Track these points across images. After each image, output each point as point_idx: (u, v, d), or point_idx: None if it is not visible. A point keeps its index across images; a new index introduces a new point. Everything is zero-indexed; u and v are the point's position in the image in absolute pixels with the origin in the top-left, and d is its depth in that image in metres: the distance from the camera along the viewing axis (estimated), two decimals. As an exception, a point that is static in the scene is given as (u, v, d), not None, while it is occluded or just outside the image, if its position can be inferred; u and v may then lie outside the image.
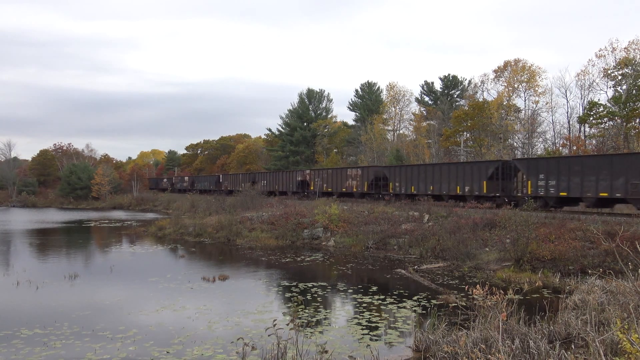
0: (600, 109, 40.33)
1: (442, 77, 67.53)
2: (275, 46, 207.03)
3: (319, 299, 13.60)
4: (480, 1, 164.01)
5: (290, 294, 14.18)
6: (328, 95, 73.77)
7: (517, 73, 48.35)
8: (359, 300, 13.35)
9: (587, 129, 43.50)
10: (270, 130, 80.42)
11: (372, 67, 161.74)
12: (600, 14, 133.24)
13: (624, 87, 39.50)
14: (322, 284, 15.60)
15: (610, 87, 42.40)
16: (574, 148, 40.96)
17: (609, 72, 41.04)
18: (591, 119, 40.75)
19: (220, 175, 63.53)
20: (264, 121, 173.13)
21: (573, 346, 7.92)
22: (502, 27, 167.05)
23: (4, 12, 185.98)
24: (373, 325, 10.88)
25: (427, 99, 68.82)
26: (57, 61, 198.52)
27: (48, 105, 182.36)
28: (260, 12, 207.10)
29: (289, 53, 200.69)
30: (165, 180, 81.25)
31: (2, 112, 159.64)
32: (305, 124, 70.78)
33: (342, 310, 12.71)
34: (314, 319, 11.39)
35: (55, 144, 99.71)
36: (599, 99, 43.37)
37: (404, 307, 12.34)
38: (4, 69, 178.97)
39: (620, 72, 40.26)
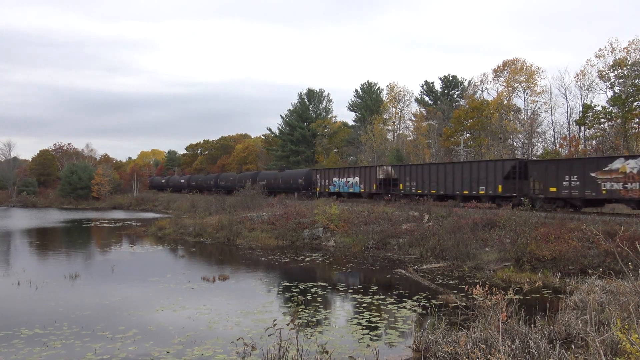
0: (596, 110, 40.25)
1: (442, 77, 67.59)
2: (278, 47, 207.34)
3: (319, 299, 13.60)
4: (484, 2, 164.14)
5: (290, 294, 14.18)
6: (328, 95, 73.95)
7: (515, 73, 48.30)
8: (359, 300, 13.35)
9: (587, 130, 43.44)
10: (270, 130, 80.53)
11: (372, 67, 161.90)
12: (609, 15, 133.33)
13: (619, 88, 39.36)
14: (322, 284, 15.61)
15: (607, 89, 42.29)
16: (572, 149, 40.91)
17: (603, 74, 40.85)
18: (587, 120, 40.68)
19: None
20: (266, 121, 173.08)
21: (573, 346, 7.93)
22: (507, 28, 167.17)
23: (27, 14, 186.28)
24: (373, 325, 10.88)
25: (427, 99, 68.84)
26: (74, 62, 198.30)
27: (57, 106, 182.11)
28: (262, 12, 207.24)
29: (291, 53, 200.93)
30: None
31: (10, 112, 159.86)
32: (305, 123, 70.84)
33: (342, 310, 12.71)
34: (314, 319, 11.39)
35: (55, 144, 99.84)
36: (592, 101, 43.31)
37: (404, 307, 12.34)
38: (19, 70, 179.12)
39: (614, 74, 40.08)
